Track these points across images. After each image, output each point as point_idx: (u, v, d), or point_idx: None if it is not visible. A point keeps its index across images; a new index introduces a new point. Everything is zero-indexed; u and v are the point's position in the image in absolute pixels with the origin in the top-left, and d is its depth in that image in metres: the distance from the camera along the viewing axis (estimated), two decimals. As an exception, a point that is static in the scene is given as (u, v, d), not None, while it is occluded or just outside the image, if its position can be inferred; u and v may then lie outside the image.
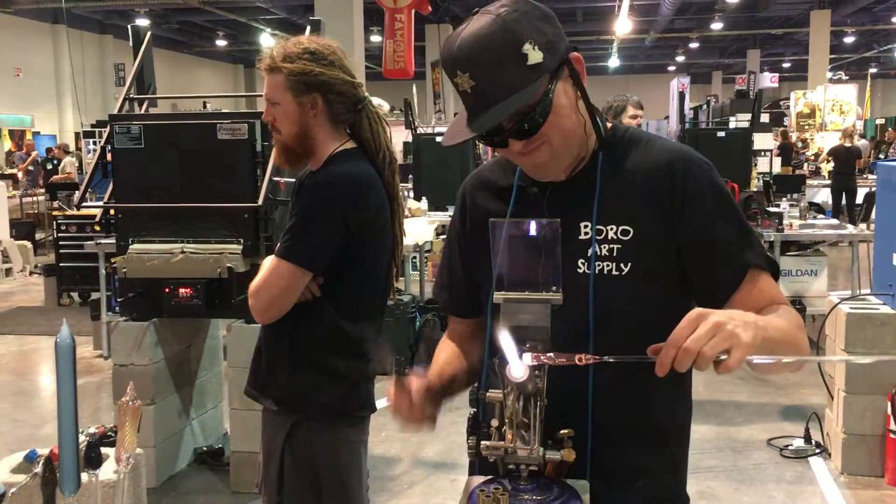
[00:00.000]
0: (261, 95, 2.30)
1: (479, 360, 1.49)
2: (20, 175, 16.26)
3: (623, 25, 17.91)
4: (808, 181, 11.67)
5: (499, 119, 1.27)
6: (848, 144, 13.58)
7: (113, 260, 4.02)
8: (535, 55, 1.27)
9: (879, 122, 24.49)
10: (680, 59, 32.19)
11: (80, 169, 15.83)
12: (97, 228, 7.46)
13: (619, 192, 1.38)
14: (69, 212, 9.19)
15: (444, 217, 7.75)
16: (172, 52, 26.44)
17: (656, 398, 1.39)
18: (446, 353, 1.56)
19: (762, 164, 10.07)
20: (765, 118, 11.66)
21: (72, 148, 18.40)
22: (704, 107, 16.77)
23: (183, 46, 27.54)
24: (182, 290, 3.79)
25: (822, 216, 8.37)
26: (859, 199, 12.32)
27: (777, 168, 11.65)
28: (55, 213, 10.04)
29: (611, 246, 1.36)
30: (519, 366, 1.16)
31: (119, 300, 4.13)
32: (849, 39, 26.41)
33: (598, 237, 1.36)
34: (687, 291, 1.39)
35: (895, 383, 4.06)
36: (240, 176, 3.82)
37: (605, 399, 1.35)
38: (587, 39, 25.04)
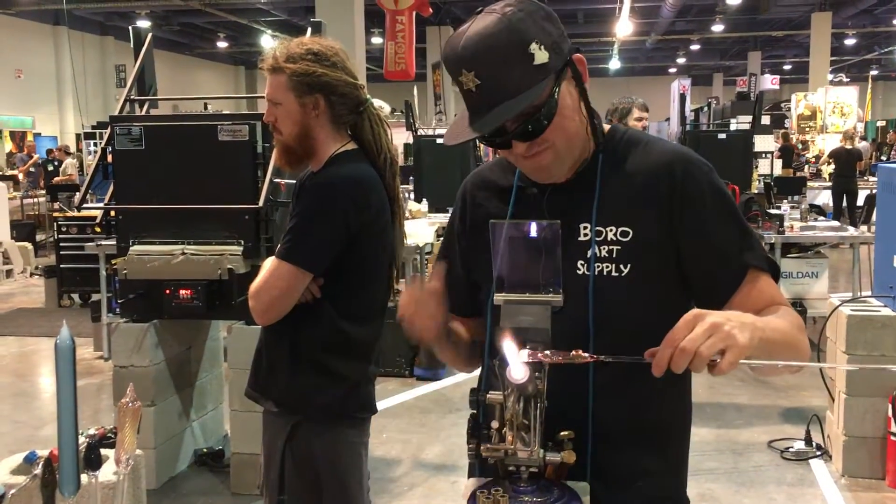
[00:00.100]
0: (262, 97, 2.30)
1: (478, 354, 1.49)
2: (21, 176, 16.25)
3: (624, 27, 17.91)
4: (809, 183, 11.68)
5: (504, 118, 1.26)
6: (849, 146, 13.58)
7: (113, 261, 4.03)
8: (541, 55, 1.26)
9: (880, 124, 24.45)
10: (681, 60, 32.19)
11: (81, 170, 15.84)
12: (98, 230, 7.40)
13: (618, 194, 1.38)
14: (70, 213, 9.18)
15: (445, 219, 7.72)
16: (173, 53, 26.48)
17: (656, 400, 1.38)
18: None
19: (763, 166, 10.06)
20: (766, 120, 11.65)
21: (73, 149, 18.43)
22: (705, 109, 16.73)
23: (184, 48, 27.58)
24: (182, 292, 3.79)
25: (822, 218, 8.36)
26: (860, 202, 12.33)
27: (778, 170, 11.63)
28: (56, 214, 10.03)
29: (610, 247, 1.35)
30: (519, 367, 1.16)
31: (119, 301, 4.13)
32: (850, 41, 26.43)
33: (598, 238, 1.36)
34: (686, 292, 1.39)
35: (896, 385, 4.06)
36: (240, 177, 3.82)
37: (605, 401, 1.34)
38: (588, 41, 25.07)
